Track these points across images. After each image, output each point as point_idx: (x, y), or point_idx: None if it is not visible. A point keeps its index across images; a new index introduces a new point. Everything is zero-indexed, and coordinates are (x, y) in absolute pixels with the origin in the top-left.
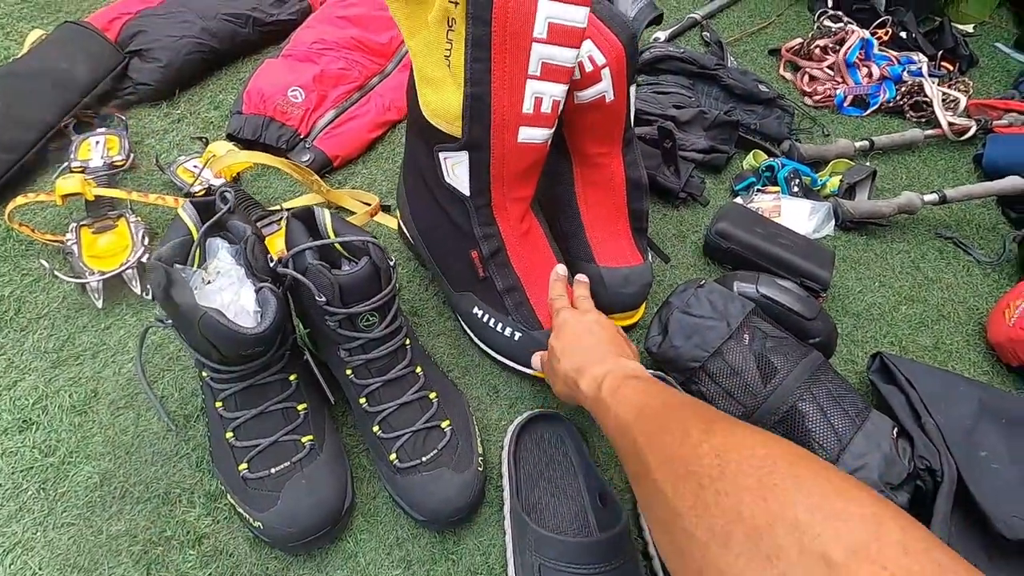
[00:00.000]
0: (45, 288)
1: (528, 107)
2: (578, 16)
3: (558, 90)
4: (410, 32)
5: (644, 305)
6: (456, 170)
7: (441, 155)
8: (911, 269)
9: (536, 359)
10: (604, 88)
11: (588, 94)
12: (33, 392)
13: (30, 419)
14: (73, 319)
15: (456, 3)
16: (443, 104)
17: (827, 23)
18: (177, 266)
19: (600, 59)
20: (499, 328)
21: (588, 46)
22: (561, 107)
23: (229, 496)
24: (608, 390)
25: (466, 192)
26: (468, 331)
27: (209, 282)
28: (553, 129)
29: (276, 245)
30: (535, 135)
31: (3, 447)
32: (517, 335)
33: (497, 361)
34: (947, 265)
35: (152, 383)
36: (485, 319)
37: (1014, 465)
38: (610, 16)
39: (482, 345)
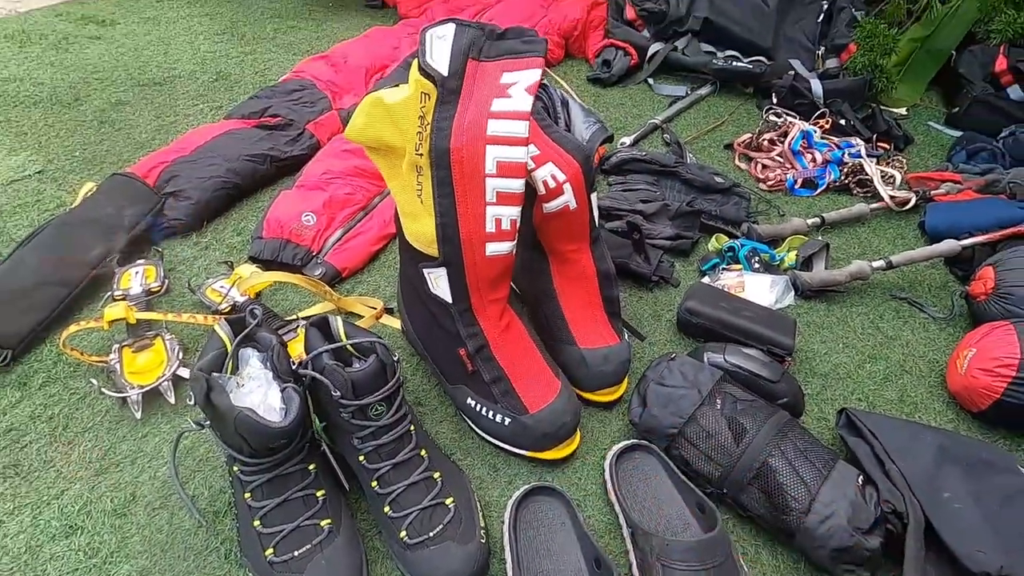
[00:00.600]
0: (90, 404)
1: (491, 227)
2: (519, 154)
3: (514, 211)
4: (389, 176)
5: (626, 381)
6: (439, 282)
7: (425, 271)
8: (872, 330)
9: None
10: (567, 199)
11: (554, 205)
12: (78, 499)
13: (75, 524)
14: (114, 430)
15: (421, 155)
16: (421, 231)
17: (772, 118)
18: (215, 375)
19: (561, 176)
20: (490, 415)
21: (550, 167)
22: (519, 223)
23: None
24: None
25: (449, 300)
26: (465, 419)
27: (241, 385)
28: (515, 241)
29: (295, 350)
30: (500, 248)
31: (51, 552)
32: (507, 420)
33: (493, 445)
34: (905, 323)
35: (184, 484)
36: (478, 408)
37: (976, 504)
38: (566, 141)
39: (478, 431)
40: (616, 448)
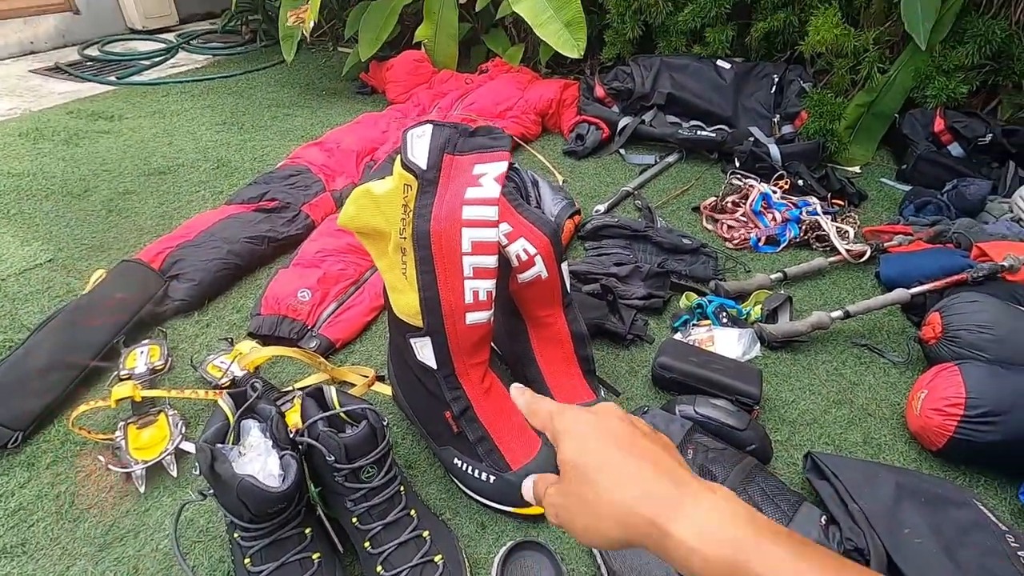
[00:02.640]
0: (95, 482)
1: (469, 299)
2: (490, 234)
3: (489, 284)
4: (377, 256)
5: None
6: (424, 350)
7: (411, 340)
8: (835, 376)
9: (528, 487)
10: (539, 270)
11: (527, 275)
12: (83, 575)
13: None
14: (118, 505)
15: (405, 238)
16: (407, 304)
17: (735, 181)
18: (218, 446)
19: (532, 250)
20: (476, 474)
21: (522, 242)
22: (494, 294)
23: None
24: (749, 547)
25: (434, 366)
26: (453, 479)
27: (243, 454)
28: (492, 311)
29: (292, 419)
30: (479, 317)
31: None
32: (492, 478)
33: (480, 502)
34: (866, 369)
35: (185, 555)
36: (464, 467)
37: (934, 537)
38: (536, 218)
39: (466, 490)
40: None
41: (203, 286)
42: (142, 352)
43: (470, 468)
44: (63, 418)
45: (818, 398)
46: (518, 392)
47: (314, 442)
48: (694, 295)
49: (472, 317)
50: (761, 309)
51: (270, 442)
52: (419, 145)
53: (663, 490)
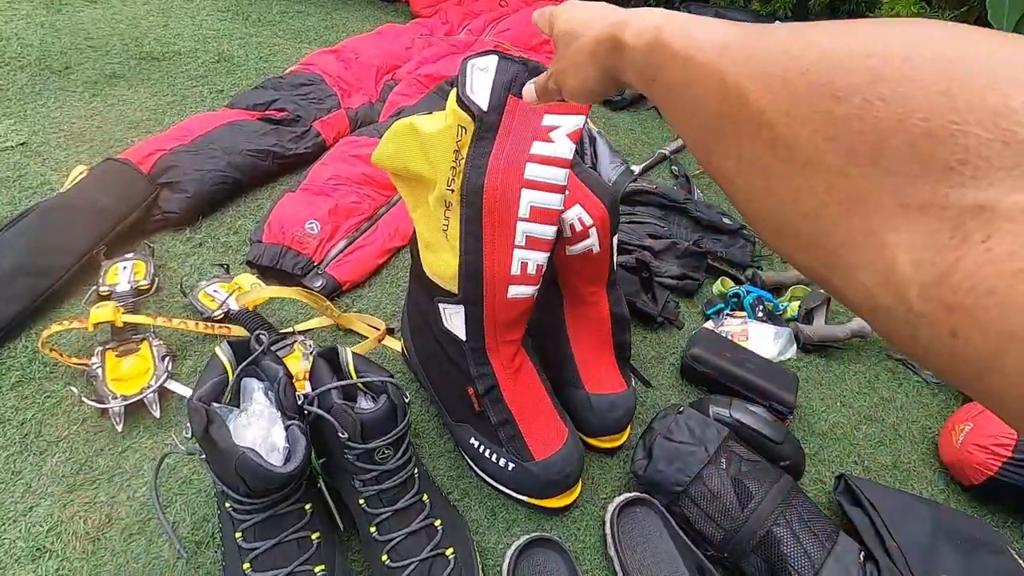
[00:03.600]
0: (66, 411)
1: (516, 270)
2: (554, 201)
3: (541, 256)
4: (412, 205)
5: (629, 427)
6: (454, 319)
7: (440, 305)
8: (867, 389)
9: (529, 88)
10: (591, 243)
11: (578, 248)
12: (48, 518)
13: (44, 547)
14: (91, 442)
15: (452, 191)
16: (441, 266)
17: None
18: (215, 405)
19: (588, 220)
20: (494, 458)
21: (578, 209)
22: (544, 269)
23: None
24: (672, 33)
25: (463, 337)
26: (466, 459)
27: (244, 412)
28: (539, 285)
29: (290, 365)
30: (523, 291)
31: None
32: (511, 466)
33: (493, 487)
34: (899, 385)
35: (165, 508)
36: (481, 449)
37: None
38: (596, 184)
39: (478, 471)
40: (618, 501)
41: (198, 199)
42: (125, 268)
43: (487, 451)
44: (31, 334)
45: (849, 411)
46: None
47: (325, 414)
48: (730, 282)
49: (515, 290)
50: (799, 307)
51: (274, 407)
52: (481, 80)
53: (619, 16)
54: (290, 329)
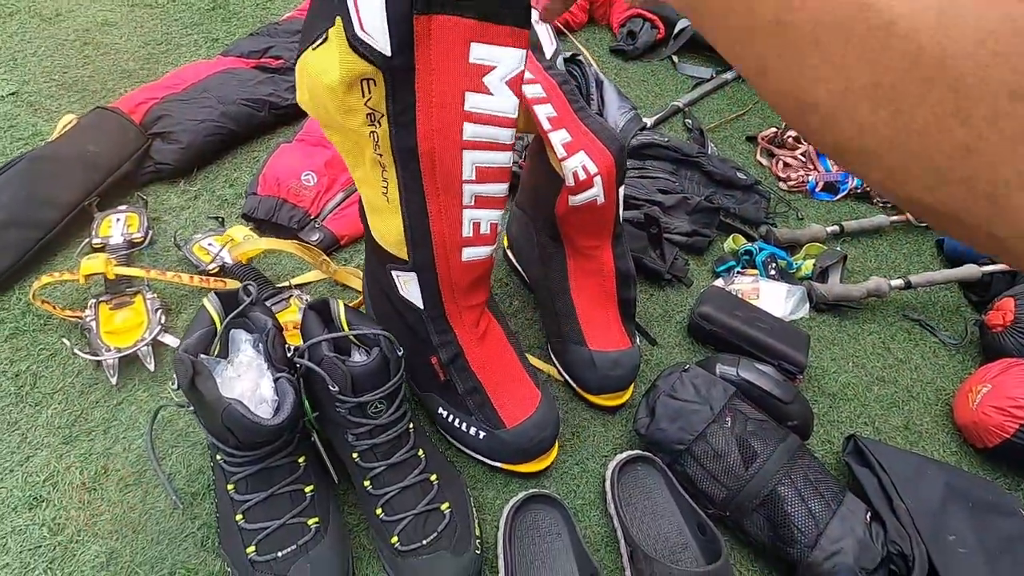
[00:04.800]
0: (61, 363)
1: (467, 232)
2: (502, 159)
3: (495, 215)
4: (352, 165)
5: (632, 386)
6: (408, 286)
7: (394, 273)
8: (881, 350)
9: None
10: (595, 193)
11: (580, 198)
12: (45, 468)
13: (40, 496)
14: (87, 394)
15: (381, 155)
16: (388, 231)
17: None
18: (202, 357)
19: (592, 168)
20: (464, 428)
21: (581, 157)
22: (500, 227)
23: None
24: None
25: (420, 305)
26: (439, 429)
27: (230, 369)
28: (495, 245)
29: (284, 320)
30: (479, 253)
31: (13, 525)
32: (482, 434)
33: (468, 456)
34: (915, 346)
35: (161, 460)
36: (451, 419)
37: (980, 549)
38: (601, 129)
39: (453, 442)
40: (619, 458)
41: (192, 150)
42: (118, 220)
43: (457, 421)
44: (25, 286)
45: (862, 372)
46: None
47: (315, 367)
48: (742, 238)
49: (470, 252)
50: (814, 265)
51: (263, 360)
52: (370, 10)
53: None
54: (286, 283)
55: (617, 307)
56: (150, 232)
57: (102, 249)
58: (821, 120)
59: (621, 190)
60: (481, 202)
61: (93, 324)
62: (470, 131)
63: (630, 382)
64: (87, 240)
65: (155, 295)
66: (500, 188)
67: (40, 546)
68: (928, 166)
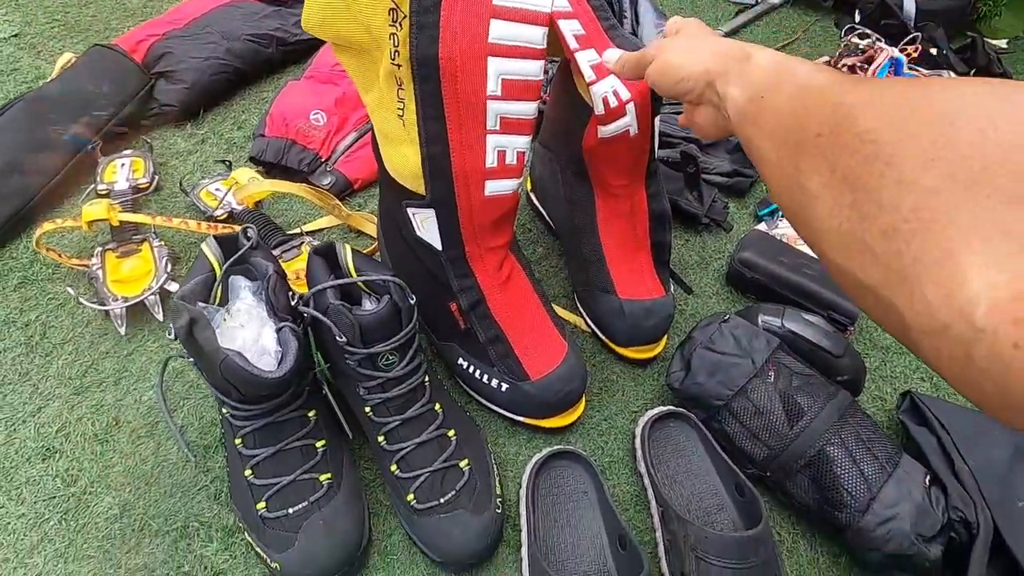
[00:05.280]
0: (70, 312)
1: (491, 161)
2: (531, 70)
3: (521, 141)
4: (364, 87)
5: (666, 337)
6: (426, 224)
7: (409, 211)
8: None
9: (612, 54)
10: (628, 123)
11: (611, 128)
12: (57, 419)
13: (53, 447)
14: (96, 344)
15: (399, 65)
16: (403, 162)
17: (855, 40)
18: (200, 305)
19: (625, 94)
20: (485, 379)
21: (612, 81)
22: (527, 156)
23: (247, 534)
24: (796, 61)
25: (438, 246)
26: (458, 380)
27: (230, 318)
28: (522, 178)
29: (296, 267)
30: (503, 186)
31: (27, 475)
32: (504, 387)
33: (491, 410)
34: None
35: (172, 412)
36: (471, 370)
37: None
38: (633, 49)
39: (473, 394)
40: (650, 414)
41: (196, 90)
42: (123, 165)
43: (478, 372)
44: (32, 234)
45: None
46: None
47: (321, 316)
48: None
49: (494, 186)
50: None
51: (264, 308)
52: None
53: (747, 45)
54: (297, 230)
55: (650, 252)
56: (156, 177)
57: (107, 195)
58: (814, 208)
59: (657, 120)
60: (507, 125)
61: (100, 272)
62: (497, 30)
63: (663, 333)
64: (92, 186)
65: (162, 243)
66: (528, 108)
67: (55, 497)
68: (861, 245)
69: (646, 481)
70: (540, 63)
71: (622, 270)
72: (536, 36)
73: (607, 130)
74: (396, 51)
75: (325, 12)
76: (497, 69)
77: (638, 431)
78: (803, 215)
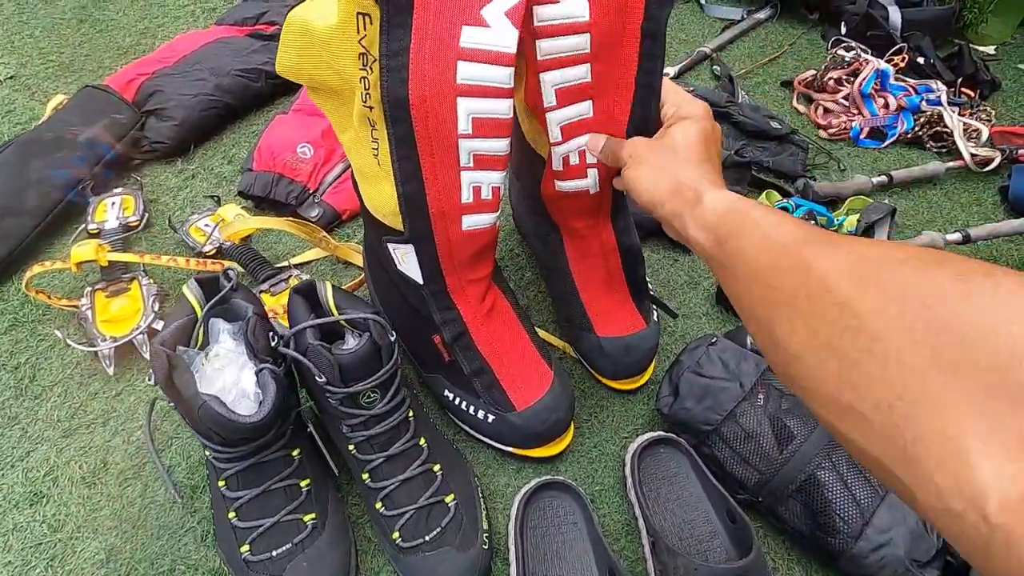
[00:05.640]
0: (60, 354)
1: (467, 197)
2: (502, 108)
3: (496, 177)
4: (340, 128)
5: (653, 365)
6: (406, 259)
7: (390, 246)
8: None
9: (598, 141)
10: (588, 184)
11: (569, 186)
12: (44, 463)
13: (40, 492)
14: (86, 386)
15: (371, 107)
16: (380, 199)
17: (841, 53)
18: (180, 349)
19: (590, 158)
20: (472, 411)
21: (579, 142)
22: (503, 190)
23: None
24: (749, 205)
25: (420, 280)
26: (446, 412)
27: (211, 361)
28: (499, 212)
29: (284, 301)
30: (481, 221)
31: (14, 522)
32: (491, 418)
33: (479, 440)
34: None
35: (160, 452)
36: (457, 402)
37: None
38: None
39: (461, 425)
40: (640, 441)
41: (187, 127)
42: (113, 204)
43: (464, 403)
44: (24, 276)
45: None
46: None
47: (300, 357)
48: (776, 195)
49: (471, 221)
50: (858, 221)
51: (244, 350)
52: None
53: (713, 179)
54: (285, 263)
55: (626, 286)
56: (146, 215)
57: (97, 235)
58: (798, 366)
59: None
60: (480, 162)
61: (89, 313)
62: (464, 72)
63: (647, 365)
64: (83, 226)
65: (151, 281)
66: (500, 145)
67: (41, 543)
68: (858, 416)
69: (637, 510)
70: (509, 101)
71: (598, 308)
72: (502, 76)
73: (565, 186)
74: (367, 94)
75: (298, 57)
76: (467, 108)
77: (628, 458)
78: (787, 371)
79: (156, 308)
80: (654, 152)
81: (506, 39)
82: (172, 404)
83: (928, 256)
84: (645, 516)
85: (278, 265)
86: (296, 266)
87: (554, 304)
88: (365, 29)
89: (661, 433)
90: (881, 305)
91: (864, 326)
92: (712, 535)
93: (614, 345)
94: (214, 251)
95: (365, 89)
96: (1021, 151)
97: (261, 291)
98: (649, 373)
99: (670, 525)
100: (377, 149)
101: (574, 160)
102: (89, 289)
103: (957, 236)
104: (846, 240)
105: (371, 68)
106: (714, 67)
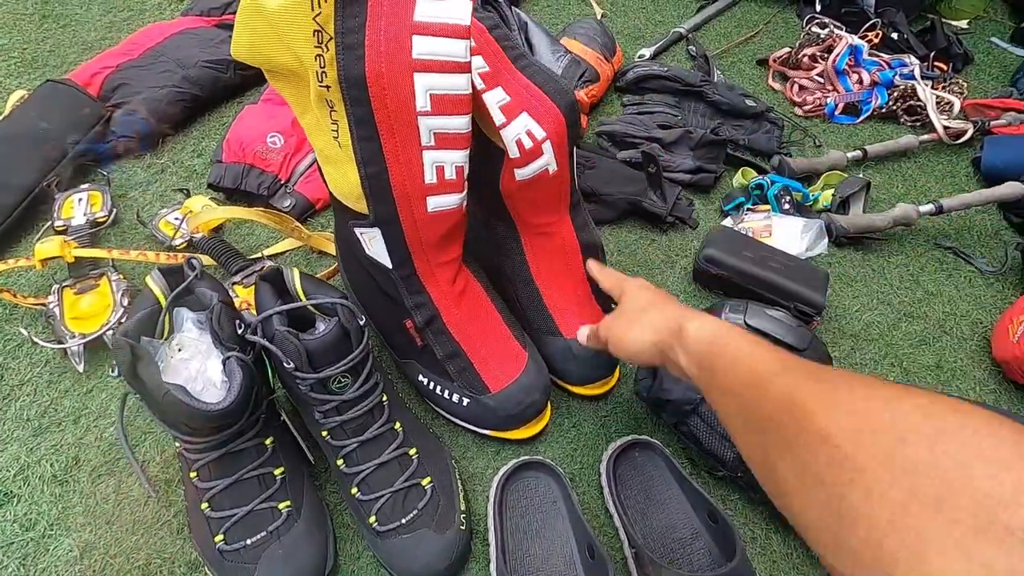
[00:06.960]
0: (28, 353)
1: (431, 177)
2: (459, 83)
3: (459, 156)
4: (300, 112)
5: (618, 369)
6: (374, 243)
7: (357, 230)
8: (910, 283)
9: (583, 331)
10: (546, 161)
11: (529, 170)
12: (15, 463)
13: (11, 492)
14: (55, 384)
15: (328, 87)
16: (344, 183)
17: (815, 30)
18: (144, 339)
19: (539, 133)
20: (447, 395)
21: (524, 120)
22: (467, 171)
23: (207, 568)
24: (731, 334)
25: (388, 265)
26: (422, 396)
27: (180, 350)
28: (464, 192)
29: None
30: (446, 201)
31: None
32: (466, 401)
33: (456, 424)
34: (948, 277)
35: (134, 447)
36: (432, 387)
37: None
38: (547, 81)
39: (437, 410)
40: (613, 448)
41: (153, 120)
42: (80, 200)
43: (439, 388)
44: None
45: (888, 309)
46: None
47: (268, 343)
48: (752, 172)
49: (437, 202)
50: (833, 195)
51: (209, 339)
52: None
53: (686, 311)
54: (258, 254)
55: (588, 284)
56: (114, 210)
57: (64, 232)
58: (792, 499)
59: (575, 150)
60: (442, 140)
61: (57, 311)
62: (420, 46)
63: (616, 366)
64: (49, 223)
65: (120, 276)
66: (461, 122)
67: (12, 543)
68: (848, 549)
69: (616, 521)
70: (467, 76)
71: (563, 309)
72: (458, 50)
73: (524, 172)
74: (323, 72)
75: (253, 38)
76: (424, 84)
77: (602, 467)
78: (780, 501)
79: (126, 304)
80: (625, 312)
81: (460, 11)
82: (137, 396)
83: (893, 391)
84: (625, 526)
85: (251, 257)
86: (269, 257)
87: (516, 315)
88: (320, 6)
89: (634, 437)
90: (860, 440)
91: (847, 459)
92: (694, 537)
93: (582, 347)
94: (184, 244)
95: (321, 67)
96: (993, 123)
97: (234, 283)
98: (615, 377)
99: (651, 531)
100: (337, 131)
101: (528, 143)
102: (57, 286)
103: (930, 207)
104: (827, 373)
105: (327, 46)
106: (689, 47)
